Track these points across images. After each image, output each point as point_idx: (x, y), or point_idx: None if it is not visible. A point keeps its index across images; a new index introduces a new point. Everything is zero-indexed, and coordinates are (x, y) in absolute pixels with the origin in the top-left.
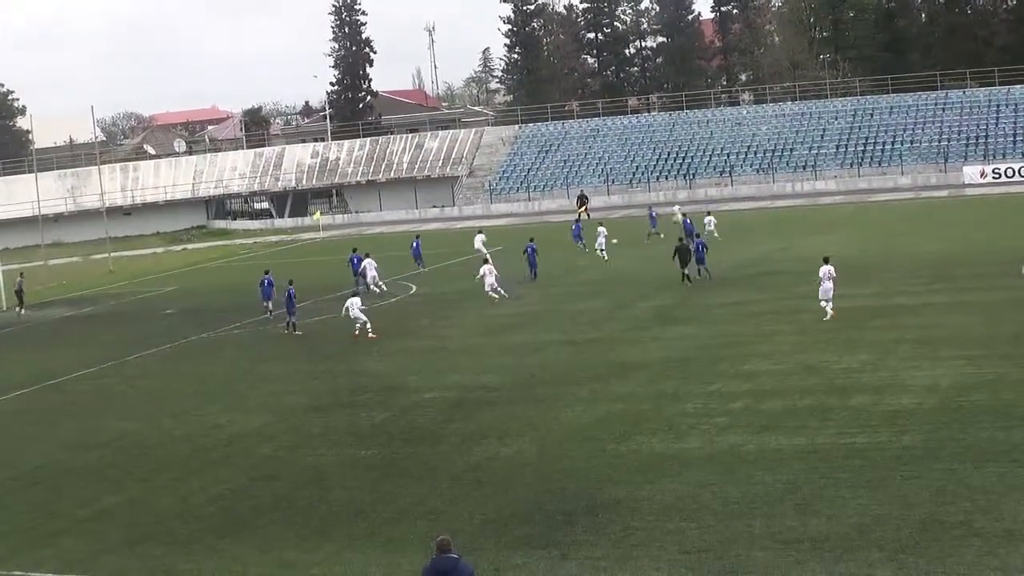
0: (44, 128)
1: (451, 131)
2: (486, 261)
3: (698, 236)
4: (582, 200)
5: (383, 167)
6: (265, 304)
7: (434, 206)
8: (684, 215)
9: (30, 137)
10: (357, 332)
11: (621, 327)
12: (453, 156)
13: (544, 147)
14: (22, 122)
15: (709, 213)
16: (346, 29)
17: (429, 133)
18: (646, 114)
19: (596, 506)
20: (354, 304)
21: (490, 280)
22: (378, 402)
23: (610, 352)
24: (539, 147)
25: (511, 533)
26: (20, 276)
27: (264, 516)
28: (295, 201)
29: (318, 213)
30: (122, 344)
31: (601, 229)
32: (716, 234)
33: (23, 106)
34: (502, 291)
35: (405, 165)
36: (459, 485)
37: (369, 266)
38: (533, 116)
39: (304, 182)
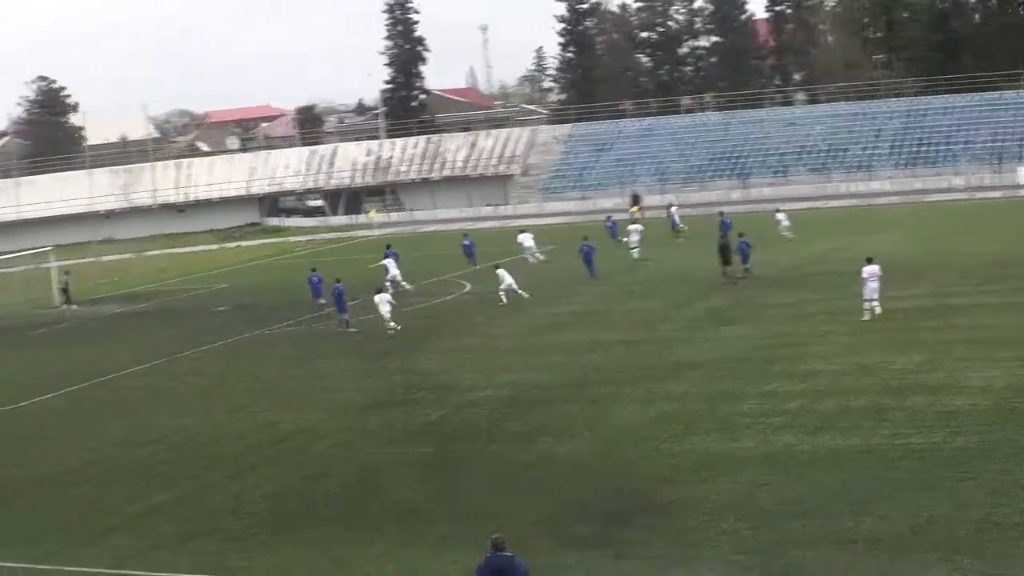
0: (97, 125)
1: (505, 130)
2: (498, 267)
3: (741, 235)
4: (636, 199)
5: (437, 165)
6: (317, 301)
7: (488, 204)
8: (722, 214)
9: (83, 134)
10: (391, 329)
11: (675, 327)
12: (507, 155)
13: (598, 146)
14: (75, 119)
15: (779, 210)
16: (399, 27)
17: (483, 132)
18: (700, 114)
19: (651, 506)
20: (383, 300)
21: (508, 281)
22: (432, 400)
23: (665, 352)
24: (593, 146)
25: (566, 532)
26: (66, 274)
27: (317, 514)
28: (349, 199)
29: (373, 211)
30: (175, 341)
31: (635, 227)
32: (789, 234)
33: (75, 103)
34: (504, 297)
35: (459, 163)
36: (514, 483)
37: (390, 265)
38: (587, 115)
39: (358, 180)
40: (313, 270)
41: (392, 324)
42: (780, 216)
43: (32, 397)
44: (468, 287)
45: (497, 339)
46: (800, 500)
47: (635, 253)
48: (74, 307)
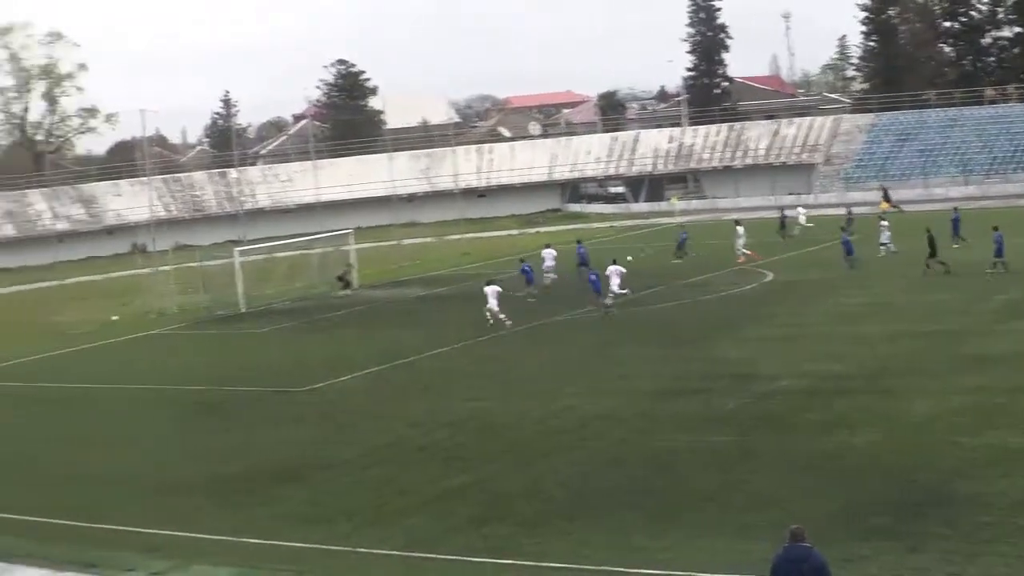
0: (397, 108)
1: (808, 118)
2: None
3: (995, 228)
4: (886, 195)
5: (739, 153)
6: (529, 289)
7: (790, 193)
8: (956, 210)
9: (383, 117)
10: (491, 321)
11: (975, 320)
12: (809, 143)
13: (901, 136)
14: (374, 102)
15: None
16: (702, 15)
17: (786, 120)
18: (1003, 105)
19: (946, 499)
20: (490, 293)
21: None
22: (731, 388)
23: (963, 344)
24: (896, 136)
25: (860, 523)
26: (347, 266)
27: (613, 500)
28: (650, 186)
29: (675, 198)
30: (474, 325)
31: (884, 223)
32: None
33: (375, 86)
34: (500, 315)
35: (762, 151)
36: (811, 474)
37: (548, 255)
38: (889, 104)
39: (659, 167)
40: (522, 260)
41: (501, 316)
42: None
43: (329, 378)
44: (770, 276)
45: (798, 328)
46: None
47: (882, 250)
48: (350, 292)
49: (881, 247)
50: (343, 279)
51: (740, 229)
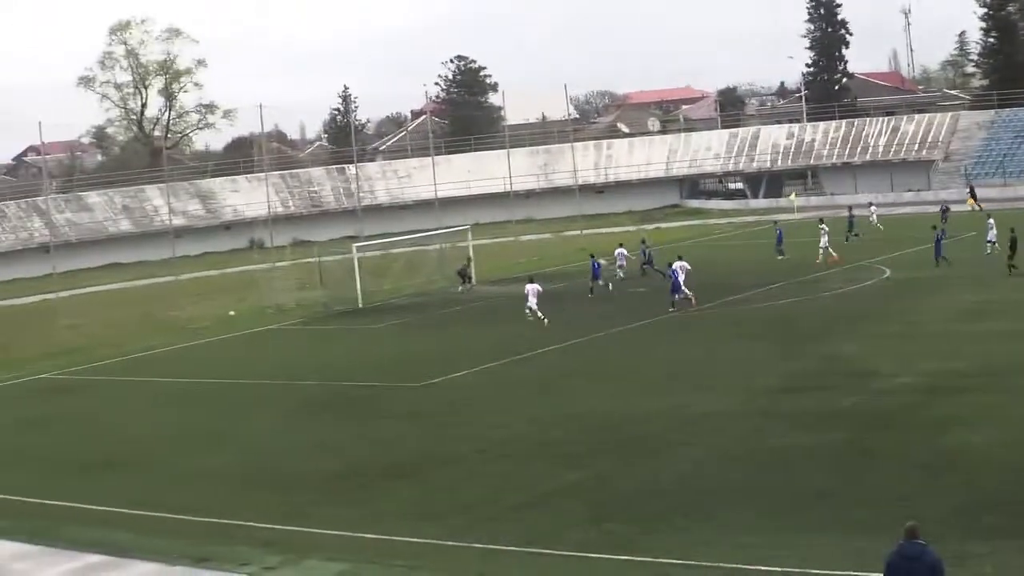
0: (516, 104)
1: (927, 114)
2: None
3: None
4: (972, 192)
5: (858, 149)
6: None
7: (909, 190)
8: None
9: (502, 114)
10: (530, 318)
11: None
12: (929, 140)
13: (1020, 133)
14: (493, 98)
15: None
16: (821, 10)
17: (905, 116)
18: None
19: None
20: (530, 292)
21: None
22: (848, 385)
23: None
24: (1015, 133)
25: (977, 522)
26: (467, 260)
27: (728, 497)
28: (769, 182)
29: (793, 194)
30: (591, 320)
31: (991, 221)
32: None
33: (495, 82)
34: (539, 313)
35: (881, 148)
36: (927, 471)
37: (620, 255)
38: (1009, 101)
39: (778, 163)
40: (592, 256)
41: (540, 314)
42: None
43: (446, 374)
44: (888, 273)
45: (916, 326)
46: None
47: (988, 248)
48: (470, 287)
49: (987, 244)
50: (463, 274)
51: (824, 227)
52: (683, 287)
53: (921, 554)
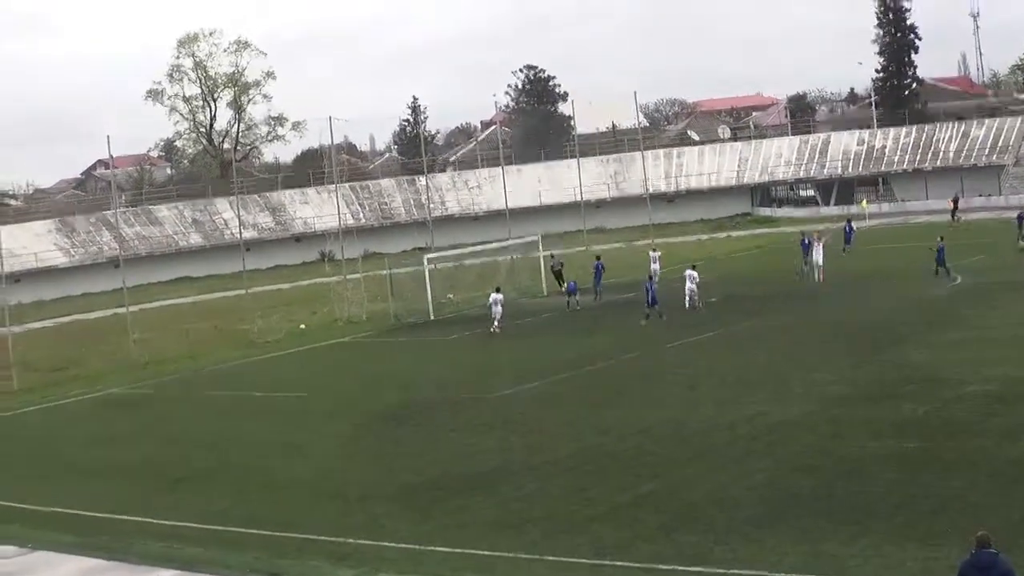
0: (586, 114)
1: (997, 119)
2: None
3: None
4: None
5: (929, 155)
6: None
7: (980, 195)
8: None
9: (572, 123)
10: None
11: None
12: (1000, 144)
13: None
14: (563, 107)
15: None
16: (891, 15)
17: (975, 121)
18: None
19: None
20: (496, 300)
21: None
22: (919, 393)
23: None
24: None
25: None
26: (554, 257)
27: (802, 507)
28: (840, 189)
29: (864, 201)
30: (661, 331)
31: None
32: None
33: (564, 92)
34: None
35: (951, 153)
36: (999, 480)
37: (690, 278)
38: None
39: (849, 170)
40: (597, 257)
41: (497, 325)
42: None
43: (519, 384)
44: (959, 279)
45: (987, 331)
46: None
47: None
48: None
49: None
50: (558, 275)
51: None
52: (658, 300)
53: (993, 563)
